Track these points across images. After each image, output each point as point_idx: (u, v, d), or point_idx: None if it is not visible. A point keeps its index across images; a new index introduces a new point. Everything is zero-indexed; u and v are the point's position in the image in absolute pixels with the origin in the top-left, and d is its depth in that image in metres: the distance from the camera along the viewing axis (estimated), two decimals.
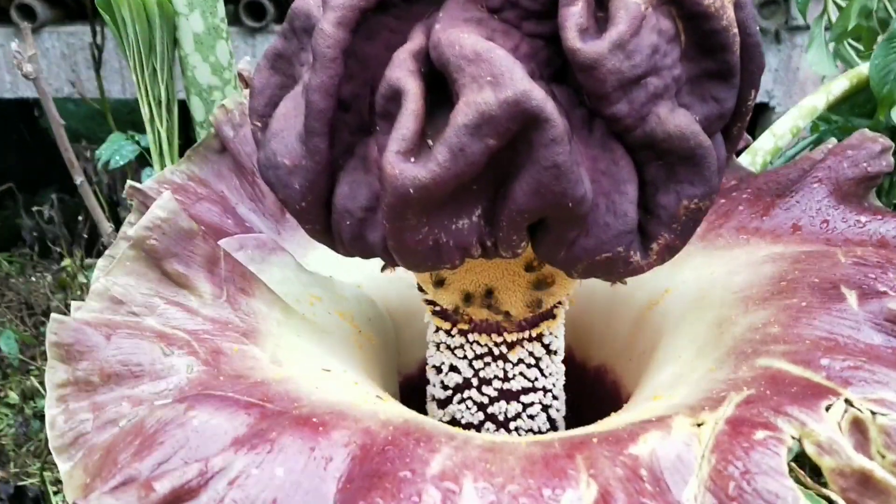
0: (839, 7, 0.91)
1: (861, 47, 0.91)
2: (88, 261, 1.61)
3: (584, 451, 0.35)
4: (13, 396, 1.34)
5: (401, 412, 0.42)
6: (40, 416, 1.27)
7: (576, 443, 0.36)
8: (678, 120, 0.39)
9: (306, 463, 0.36)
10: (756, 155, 0.73)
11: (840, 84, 0.74)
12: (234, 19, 1.99)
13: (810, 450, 0.35)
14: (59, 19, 2.21)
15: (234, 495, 0.35)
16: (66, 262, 1.44)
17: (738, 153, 0.74)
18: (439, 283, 0.51)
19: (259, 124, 0.46)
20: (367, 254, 0.43)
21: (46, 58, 2.14)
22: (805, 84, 2.18)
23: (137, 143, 1.14)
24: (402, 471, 0.35)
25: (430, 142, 0.38)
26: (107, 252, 0.57)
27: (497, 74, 0.36)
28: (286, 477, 0.35)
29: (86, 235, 1.75)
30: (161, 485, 0.35)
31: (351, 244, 0.43)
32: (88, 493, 0.38)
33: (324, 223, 0.44)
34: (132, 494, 0.34)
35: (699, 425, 0.37)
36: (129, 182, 0.58)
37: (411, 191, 0.37)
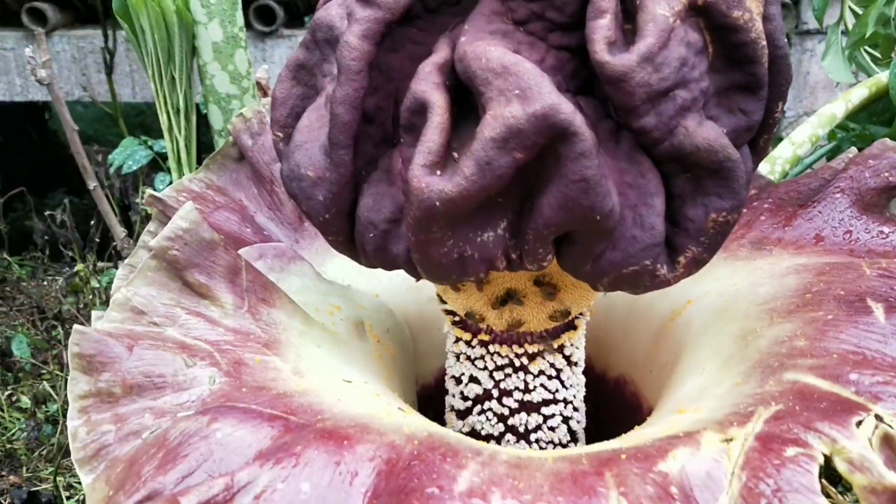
0: (856, 14, 0.91)
1: (878, 54, 0.90)
2: (101, 264, 1.61)
3: (613, 467, 0.35)
4: (25, 401, 1.34)
5: (424, 425, 0.42)
6: (52, 421, 1.28)
7: (604, 459, 0.36)
8: (706, 133, 0.38)
9: (332, 478, 0.36)
10: (775, 163, 0.73)
11: (859, 92, 0.74)
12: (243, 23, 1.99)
13: (842, 467, 0.35)
14: (70, 23, 2.22)
15: None
16: (79, 266, 1.44)
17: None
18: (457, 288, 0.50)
19: (281, 135, 0.46)
20: (390, 266, 0.43)
21: (57, 61, 2.15)
22: (815, 89, 2.17)
23: (150, 147, 1.14)
24: (430, 487, 0.34)
25: (455, 155, 0.38)
26: (126, 261, 0.57)
27: (525, 88, 0.36)
28: (312, 492, 0.35)
29: (98, 239, 1.76)
30: (187, 500, 0.35)
31: (374, 256, 0.43)
32: None
33: (347, 235, 0.43)
34: None
35: (728, 441, 0.37)
36: (149, 191, 0.58)
37: (437, 204, 0.37)
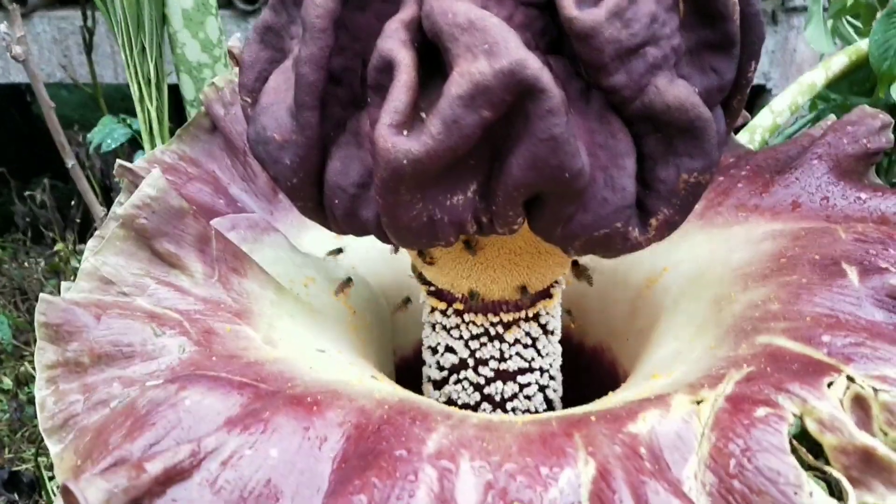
0: None
1: (860, 24, 0.90)
2: (81, 245, 1.60)
3: (582, 429, 0.35)
4: (7, 382, 1.33)
5: (396, 391, 0.41)
6: (35, 402, 1.26)
7: (573, 421, 0.36)
8: (677, 91, 0.38)
9: (300, 443, 0.36)
10: (755, 132, 0.72)
11: (839, 60, 0.73)
12: (226, 2, 1.97)
13: (812, 427, 0.35)
14: (50, 3, 2.19)
15: (227, 476, 0.34)
16: (59, 246, 1.43)
17: (737, 130, 0.73)
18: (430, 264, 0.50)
19: (249, 100, 0.45)
20: (360, 231, 0.43)
21: (38, 43, 2.11)
22: (802, 66, 2.17)
23: (129, 126, 1.12)
24: (398, 450, 0.34)
25: (423, 114, 0.38)
26: (97, 232, 0.56)
27: (492, 43, 0.35)
28: (280, 457, 0.35)
29: (78, 220, 1.74)
30: (152, 465, 0.34)
31: (344, 221, 0.42)
32: (79, 475, 0.38)
33: (316, 200, 0.43)
34: (122, 475, 0.34)
35: (699, 403, 0.37)
36: (119, 161, 0.57)
37: (405, 164, 0.36)
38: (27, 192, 1.77)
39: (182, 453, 0.35)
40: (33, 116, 2.95)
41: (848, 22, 0.88)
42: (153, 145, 0.83)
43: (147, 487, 0.33)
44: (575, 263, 0.50)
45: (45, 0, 2.18)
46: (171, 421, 0.38)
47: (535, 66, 0.34)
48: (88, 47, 1.71)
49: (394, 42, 0.37)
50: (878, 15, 0.75)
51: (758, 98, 2.15)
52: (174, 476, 0.34)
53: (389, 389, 0.41)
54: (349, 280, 0.57)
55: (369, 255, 0.63)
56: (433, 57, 0.38)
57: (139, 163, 0.60)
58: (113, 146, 1.10)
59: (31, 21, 2.10)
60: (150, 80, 0.75)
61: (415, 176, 0.37)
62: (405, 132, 0.37)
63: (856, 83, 0.79)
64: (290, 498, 0.34)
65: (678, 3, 0.38)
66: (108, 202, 1.62)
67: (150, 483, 0.34)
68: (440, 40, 0.36)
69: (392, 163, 0.36)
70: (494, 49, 0.35)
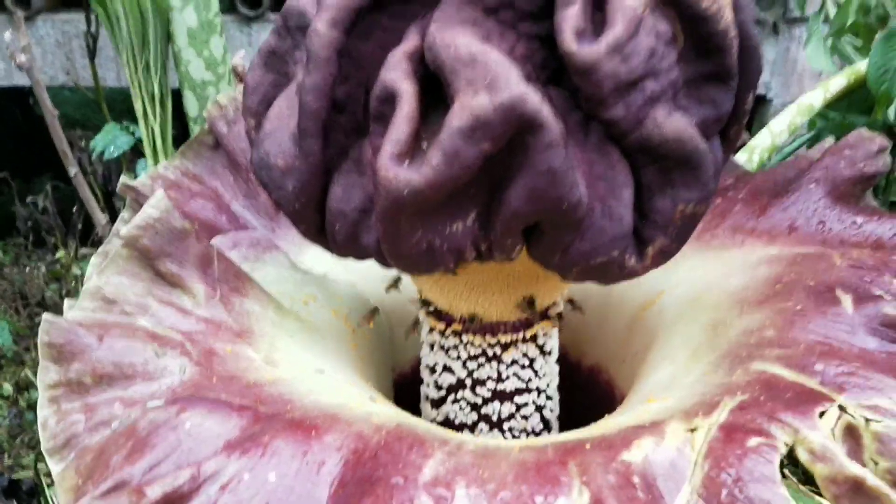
0: (837, 3, 0.91)
1: (859, 43, 0.90)
2: (83, 251, 1.60)
3: (577, 457, 0.35)
4: (7, 388, 1.34)
5: (394, 415, 0.42)
6: (35, 408, 1.26)
7: (569, 448, 0.36)
8: (675, 124, 0.38)
9: (299, 467, 0.36)
10: (753, 152, 0.73)
11: (838, 81, 0.74)
12: (229, 7, 1.97)
13: (803, 457, 0.35)
14: (54, 6, 2.19)
15: (226, 500, 0.35)
16: (60, 253, 1.43)
17: (735, 151, 0.73)
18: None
19: (253, 123, 0.46)
20: (361, 256, 0.43)
21: (41, 46, 2.12)
22: (802, 76, 2.17)
23: (132, 133, 1.13)
24: (395, 477, 0.35)
25: (424, 144, 0.38)
26: (100, 249, 0.56)
27: (492, 78, 0.36)
28: (278, 482, 0.35)
29: (80, 225, 1.75)
30: (152, 490, 0.35)
31: (345, 246, 0.43)
32: (80, 496, 0.38)
33: (317, 225, 0.43)
34: (123, 500, 0.34)
35: (693, 431, 0.37)
36: (123, 179, 0.57)
37: (405, 194, 0.37)
38: (29, 197, 1.77)
39: (182, 478, 0.36)
40: (35, 116, 2.95)
41: (847, 41, 0.89)
42: (156, 160, 0.84)
43: None
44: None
45: (48, 3, 2.18)
46: (171, 443, 0.38)
47: (534, 100, 0.35)
48: (92, 53, 1.71)
49: (396, 73, 0.38)
50: (878, 36, 0.76)
51: (758, 108, 2.16)
52: (174, 500, 0.35)
53: (388, 413, 0.42)
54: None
55: (369, 273, 0.63)
56: (435, 86, 0.39)
57: (142, 179, 0.60)
58: (116, 154, 1.10)
59: (34, 24, 2.11)
60: (154, 97, 0.76)
61: (415, 205, 0.37)
62: (406, 162, 0.37)
63: (854, 103, 0.79)
64: None
65: (677, 36, 0.39)
66: (109, 207, 1.63)
67: None
68: (442, 73, 0.37)
69: (393, 192, 0.37)
70: (495, 84, 0.35)
